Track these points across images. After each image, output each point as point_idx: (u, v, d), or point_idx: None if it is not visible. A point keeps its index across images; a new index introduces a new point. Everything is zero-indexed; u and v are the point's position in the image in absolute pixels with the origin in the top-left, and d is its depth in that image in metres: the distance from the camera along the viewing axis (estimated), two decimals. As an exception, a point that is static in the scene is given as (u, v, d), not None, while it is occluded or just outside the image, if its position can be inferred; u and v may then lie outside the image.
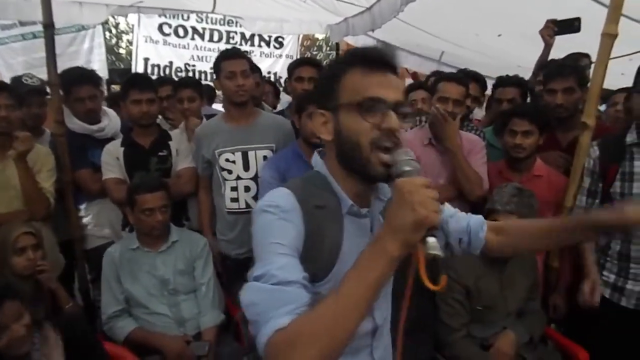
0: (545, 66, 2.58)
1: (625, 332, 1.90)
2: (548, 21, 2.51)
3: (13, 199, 2.14)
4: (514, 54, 3.73)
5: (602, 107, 3.27)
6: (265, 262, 0.83)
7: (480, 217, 1.11)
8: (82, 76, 2.51)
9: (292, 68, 2.79)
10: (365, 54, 0.92)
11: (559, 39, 2.63)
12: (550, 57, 2.69)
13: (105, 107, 2.65)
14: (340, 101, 0.91)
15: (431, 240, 0.75)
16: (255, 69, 2.94)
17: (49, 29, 2.31)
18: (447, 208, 1.11)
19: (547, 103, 2.20)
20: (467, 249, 1.08)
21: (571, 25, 2.46)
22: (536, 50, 2.82)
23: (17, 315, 1.39)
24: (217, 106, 4.26)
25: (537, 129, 2.02)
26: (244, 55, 2.30)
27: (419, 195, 0.74)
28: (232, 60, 2.21)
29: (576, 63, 2.49)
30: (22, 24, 4.93)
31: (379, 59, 0.91)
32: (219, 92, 4.58)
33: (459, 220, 1.09)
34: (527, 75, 2.93)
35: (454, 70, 3.26)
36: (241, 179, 2.27)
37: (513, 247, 1.10)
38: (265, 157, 2.26)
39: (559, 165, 2.22)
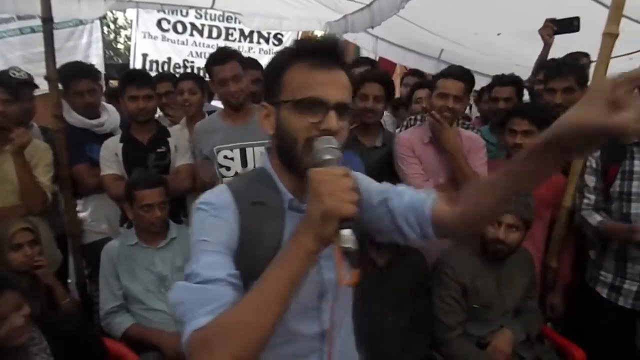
0: (544, 65, 2.58)
1: (621, 331, 1.91)
2: (547, 20, 2.51)
3: (10, 194, 2.14)
4: (512, 52, 3.72)
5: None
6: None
7: (429, 191, 0.98)
8: (81, 70, 2.50)
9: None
10: (312, 46, 0.89)
11: (558, 38, 2.63)
12: (549, 57, 2.69)
13: (104, 103, 2.64)
14: (282, 97, 0.88)
15: (344, 232, 0.71)
16: (257, 65, 2.92)
17: (48, 23, 2.30)
18: (394, 187, 1.01)
19: (546, 102, 2.20)
20: (417, 229, 0.95)
21: (570, 25, 2.46)
22: (535, 49, 2.83)
23: (16, 305, 1.39)
24: (217, 103, 4.24)
25: (537, 129, 2.01)
26: (233, 57, 2.22)
27: (330, 185, 0.72)
28: (221, 65, 2.17)
29: (576, 62, 2.48)
30: (20, 18, 4.90)
31: (325, 53, 0.87)
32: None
33: (404, 197, 0.97)
34: (525, 74, 2.93)
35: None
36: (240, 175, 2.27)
37: (473, 210, 0.89)
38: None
39: None
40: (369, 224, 1.01)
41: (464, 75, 2.12)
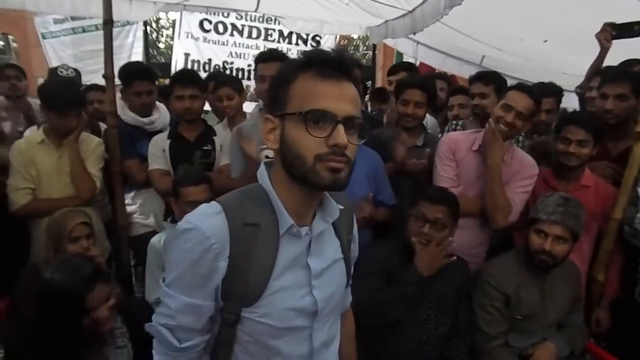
0: (598, 71, 2.49)
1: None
2: (605, 24, 2.41)
3: (66, 186, 2.27)
4: (559, 60, 3.63)
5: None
6: (168, 296, 0.89)
7: (349, 300, 1.19)
8: (143, 71, 2.63)
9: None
10: (320, 58, 0.85)
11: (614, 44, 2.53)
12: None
13: (156, 102, 2.75)
14: (287, 109, 0.84)
15: None
16: None
17: (108, 25, 2.41)
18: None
19: (597, 108, 2.12)
20: None
21: (631, 29, 2.34)
22: (584, 58, 2.74)
23: (105, 298, 1.47)
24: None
25: (592, 139, 1.94)
26: (278, 59, 2.25)
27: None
28: (265, 63, 2.23)
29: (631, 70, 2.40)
30: (73, 18, 5.16)
31: (334, 65, 0.84)
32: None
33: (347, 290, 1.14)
34: (573, 82, 2.85)
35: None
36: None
37: None
38: None
39: (606, 175, 2.14)
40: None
41: (537, 94, 1.98)
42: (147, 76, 2.60)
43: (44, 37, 5.30)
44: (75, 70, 3.09)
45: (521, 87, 2.02)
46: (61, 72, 2.71)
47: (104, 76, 2.42)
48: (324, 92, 0.82)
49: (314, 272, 0.93)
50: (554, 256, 1.82)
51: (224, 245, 0.85)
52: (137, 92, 2.54)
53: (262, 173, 0.93)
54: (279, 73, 0.90)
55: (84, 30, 5.28)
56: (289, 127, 0.84)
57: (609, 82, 2.09)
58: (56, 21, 5.22)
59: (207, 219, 0.86)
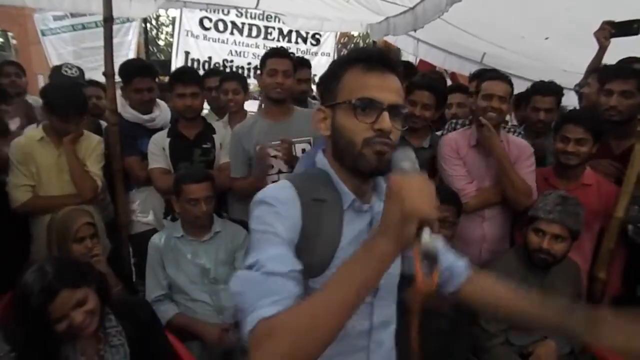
0: (596, 69, 2.49)
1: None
2: (604, 22, 2.41)
3: (67, 184, 2.26)
4: (560, 57, 3.63)
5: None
6: (257, 251, 0.84)
7: (465, 264, 1.11)
8: (144, 68, 2.63)
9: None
10: (367, 53, 0.94)
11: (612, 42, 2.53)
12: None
13: (157, 99, 2.74)
14: (338, 99, 0.93)
15: (425, 234, 0.71)
16: (307, 64, 3.00)
17: (108, 22, 2.40)
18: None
19: (598, 104, 2.12)
20: (441, 284, 1.06)
21: (630, 27, 2.35)
22: (584, 55, 2.74)
23: (77, 302, 1.37)
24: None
25: (591, 137, 1.94)
26: (289, 56, 2.34)
27: (409, 188, 0.73)
28: (276, 58, 2.27)
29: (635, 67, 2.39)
30: (73, 15, 5.15)
31: (379, 59, 0.92)
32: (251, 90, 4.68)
33: (447, 256, 1.09)
34: (573, 80, 2.85)
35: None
36: (282, 172, 2.31)
37: (477, 303, 1.11)
38: (304, 150, 2.29)
39: (609, 173, 2.14)
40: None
41: (507, 78, 2.13)
42: (148, 73, 2.59)
43: (43, 34, 5.28)
44: (79, 69, 3.08)
45: (491, 76, 2.14)
46: (65, 71, 2.70)
47: (104, 74, 2.42)
48: (370, 83, 0.90)
49: None
50: (553, 255, 1.83)
51: (298, 214, 0.91)
52: (138, 89, 2.53)
53: (320, 158, 1.02)
54: (329, 69, 1.00)
55: (83, 27, 5.27)
56: (339, 115, 0.93)
57: (614, 78, 2.08)
58: (56, 18, 5.20)
59: (281, 190, 0.94)
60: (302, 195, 0.93)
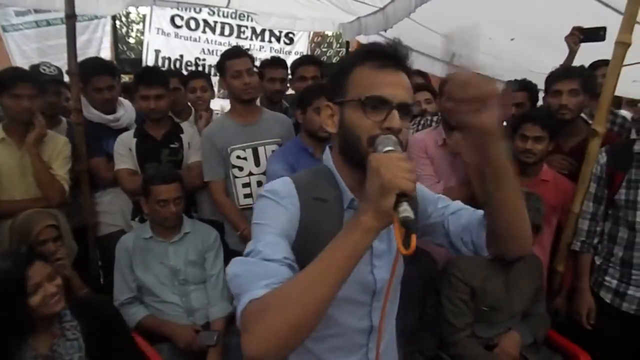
0: None
1: (625, 336, 1.94)
2: (574, 28, 2.53)
3: (31, 186, 2.19)
4: (526, 58, 3.73)
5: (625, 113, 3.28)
6: (254, 240, 0.86)
7: (482, 212, 1.02)
8: (102, 66, 2.55)
9: (296, 67, 2.87)
10: (379, 50, 0.93)
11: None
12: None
13: (121, 98, 2.69)
14: (347, 96, 0.93)
15: (403, 204, 0.74)
16: (283, 65, 3.00)
17: (71, 19, 2.34)
18: (452, 204, 1.09)
19: (550, 105, 2.21)
20: (472, 248, 1.03)
21: (597, 34, 2.48)
22: (550, 56, 2.83)
23: (49, 275, 1.46)
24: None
25: (548, 135, 2.03)
26: (247, 54, 2.33)
27: (387, 162, 0.75)
28: (236, 59, 2.25)
29: (595, 70, 2.50)
30: (37, 10, 4.96)
31: (391, 56, 0.91)
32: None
33: (461, 217, 1.05)
34: (539, 80, 2.94)
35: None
36: (253, 174, 2.30)
37: (497, 231, 0.98)
38: (273, 152, 2.30)
39: (562, 168, 2.24)
40: (422, 231, 1.08)
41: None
42: (106, 71, 2.52)
43: (5, 30, 5.06)
44: (58, 68, 2.99)
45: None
46: (43, 69, 2.61)
47: (67, 72, 2.35)
48: (381, 80, 0.89)
49: (375, 252, 0.98)
50: None
51: (296, 211, 0.92)
52: (97, 88, 2.46)
53: (326, 154, 1.02)
54: (339, 65, 1.00)
55: (48, 24, 5.08)
56: (348, 113, 0.93)
57: (561, 78, 2.18)
58: (18, 13, 4.99)
59: (282, 185, 0.95)
60: (302, 193, 0.94)
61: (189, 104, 2.99)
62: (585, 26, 2.53)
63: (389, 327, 1.09)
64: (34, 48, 5.09)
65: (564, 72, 2.23)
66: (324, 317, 0.76)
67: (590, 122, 2.21)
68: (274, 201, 0.91)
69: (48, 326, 1.48)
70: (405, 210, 0.73)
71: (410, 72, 0.95)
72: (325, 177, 0.99)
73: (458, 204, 1.09)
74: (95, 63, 2.59)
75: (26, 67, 2.76)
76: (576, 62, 2.53)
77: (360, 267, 0.81)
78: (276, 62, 2.99)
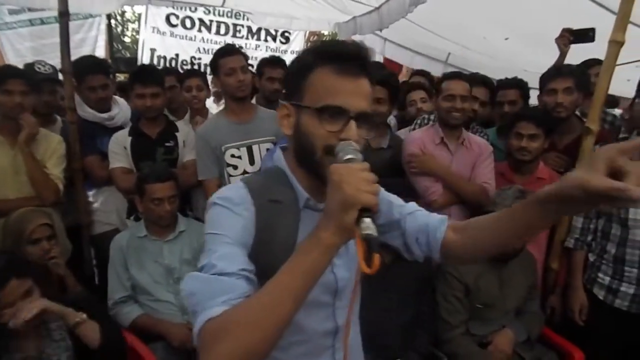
0: None
1: (618, 333, 1.95)
2: (564, 30, 2.56)
3: (25, 185, 2.18)
4: (520, 58, 3.75)
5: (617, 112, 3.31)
6: (208, 252, 0.83)
7: (441, 216, 1.03)
8: (95, 65, 2.53)
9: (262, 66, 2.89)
10: (339, 51, 0.87)
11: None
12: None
13: (115, 96, 2.68)
14: (304, 101, 0.87)
15: (365, 220, 0.71)
16: (282, 64, 2.98)
17: (64, 17, 2.33)
18: (408, 205, 1.07)
19: (546, 104, 2.23)
20: (425, 250, 1.02)
21: (586, 35, 2.51)
22: (543, 55, 2.85)
23: (24, 293, 1.42)
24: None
25: (543, 133, 2.04)
26: (240, 52, 2.33)
27: (348, 176, 0.72)
28: (230, 57, 2.25)
29: (588, 69, 2.52)
30: (31, 9, 4.93)
31: (352, 59, 0.85)
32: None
33: (417, 218, 1.03)
34: (532, 79, 2.95)
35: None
36: (248, 173, 2.30)
37: (472, 244, 0.96)
38: (268, 150, 2.29)
39: (557, 166, 2.26)
40: (381, 232, 1.05)
41: (466, 77, 2.18)
42: (100, 70, 2.50)
43: (-2, 28, 5.05)
44: (52, 66, 2.98)
45: (451, 75, 2.22)
46: (39, 68, 2.59)
47: (60, 70, 2.34)
48: (340, 87, 0.84)
49: None
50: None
51: (251, 216, 0.88)
52: (91, 87, 2.45)
53: (277, 155, 0.99)
54: (297, 62, 0.92)
55: (42, 22, 5.05)
56: (304, 118, 0.88)
57: (556, 77, 2.20)
58: (11, 11, 4.96)
59: (235, 191, 0.91)
60: (256, 197, 0.90)
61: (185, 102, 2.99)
62: (580, 26, 2.55)
63: (354, 326, 1.07)
64: (28, 47, 5.07)
65: (559, 71, 2.25)
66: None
67: (584, 119, 2.23)
68: (227, 209, 0.88)
69: (33, 329, 1.46)
70: (368, 227, 0.70)
71: (372, 77, 0.90)
72: (279, 179, 0.95)
73: (414, 205, 1.07)
74: (89, 61, 2.58)
75: (20, 65, 2.75)
76: (566, 63, 2.55)
77: None
78: (275, 62, 2.98)
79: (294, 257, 0.75)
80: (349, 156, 0.78)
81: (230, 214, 0.87)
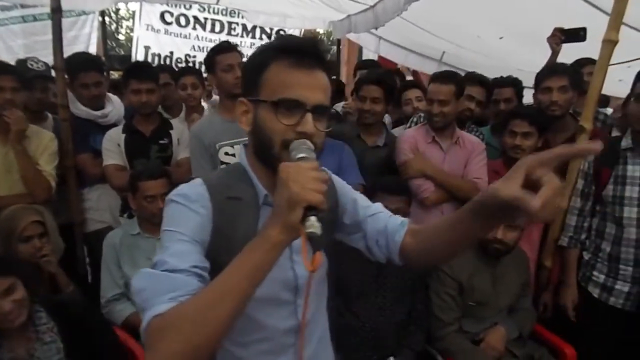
0: None
1: (611, 330, 1.97)
2: (555, 29, 2.57)
3: (16, 182, 2.17)
4: (514, 57, 3.77)
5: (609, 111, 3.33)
6: (161, 250, 0.82)
7: (402, 219, 1.03)
8: (88, 62, 2.51)
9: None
10: (294, 44, 0.87)
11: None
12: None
13: (109, 94, 2.66)
14: (260, 95, 0.87)
15: (311, 219, 0.71)
16: None
17: (57, 14, 2.31)
18: (373, 206, 1.07)
19: (541, 102, 2.23)
20: (386, 252, 1.02)
21: (577, 35, 2.53)
22: (537, 54, 2.86)
23: (5, 290, 1.39)
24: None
25: (537, 131, 2.05)
26: (237, 49, 2.32)
27: (296, 174, 0.72)
28: (227, 53, 2.23)
29: (581, 68, 2.53)
30: (23, 6, 4.89)
31: (307, 52, 0.85)
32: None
33: (379, 220, 1.03)
34: (527, 78, 2.97)
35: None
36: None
37: (427, 249, 0.97)
38: None
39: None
40: (343, 230, 1.07)
41: (450, 78, 2.17)
42: (93, 67, 2.49)
43: (-10, 25, 4.99)
44: (45, 63, 2.95)
45: (434, 77, 2.23)
46: (31, 64, 2.57)
47: (52, 67, 2.32)
48: (296, 81, 0.84)
49: (294, 247, 0.93)
50: (505, 243, 1.92)
51: (208, 214, 0.88)
52: (84, 84, 2.44)
53: (240, 152, 0.99)
54: (253, 58, 0.92)
55: (35, 19, 5.00)
56: (261, 112, 0.87)
57: (551, 75, 2.20)
58: (3, 8, 4.91)
59: (192, 188, 0.90)
60: (214, 194, 0.89)
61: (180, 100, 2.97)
62: (573, 26, 2.57)
63: (320, 323, 1.06)
64: (20, 44, 5.02)
65: (554, 69, 2.26)
66: (248, 322, 0.76)
67: (578, 118, 2.24)
68: (184, 205, 0.87)
69: (21, 331, 1.44)
70: (312, 225, 0.71)
71: (329, 70, 0.89)
72: (239, 176, 0.95)
73: (378, 206, 1.07)
74: (82, 58, 2.56)
75: (12, 63, 2.72)
76: (559, 62, 2.56)
77: (280, 263, 0.80)
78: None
79: (241, 254, 0.75)
80: (301, 155, 0.79)
81: (187, 210, 0.86)
